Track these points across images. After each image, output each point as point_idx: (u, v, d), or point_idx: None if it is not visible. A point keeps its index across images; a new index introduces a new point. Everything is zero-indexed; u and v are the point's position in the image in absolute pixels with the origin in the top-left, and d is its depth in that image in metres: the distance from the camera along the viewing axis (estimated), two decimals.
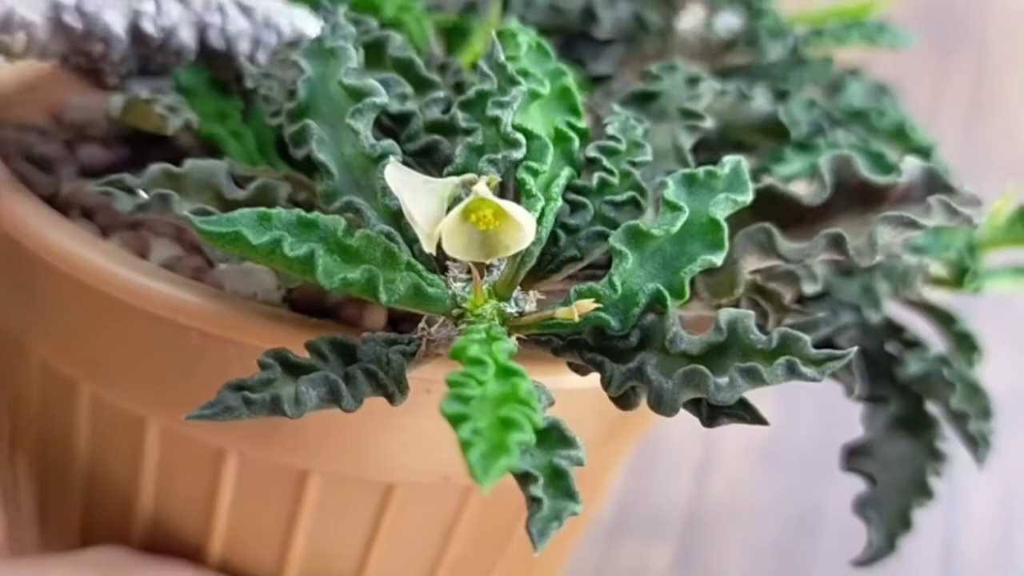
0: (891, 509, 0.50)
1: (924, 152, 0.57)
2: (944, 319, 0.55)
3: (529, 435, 0.30)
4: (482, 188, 0.34)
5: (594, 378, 0.40)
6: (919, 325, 0.56)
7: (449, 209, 0.35)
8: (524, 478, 0.33)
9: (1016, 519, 0.67)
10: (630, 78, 0.59)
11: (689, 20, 0.62)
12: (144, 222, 0.50)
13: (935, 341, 0.56)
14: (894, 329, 0.54)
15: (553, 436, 0.34)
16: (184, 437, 0.48)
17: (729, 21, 0.62)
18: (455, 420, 0.30)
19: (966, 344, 0.55)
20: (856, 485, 0.52)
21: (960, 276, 0.52)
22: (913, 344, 0.53)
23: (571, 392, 0.42)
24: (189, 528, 0.51)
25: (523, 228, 0.34)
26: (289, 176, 0.45)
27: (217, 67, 0.53)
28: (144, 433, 0.49)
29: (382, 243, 0.36)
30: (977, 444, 0.50)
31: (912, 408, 0.52)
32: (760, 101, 0.52)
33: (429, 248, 0.35)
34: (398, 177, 0.34)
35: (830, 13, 0.65)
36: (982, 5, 1.15)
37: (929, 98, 0.96)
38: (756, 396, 0.36)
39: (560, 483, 0.33)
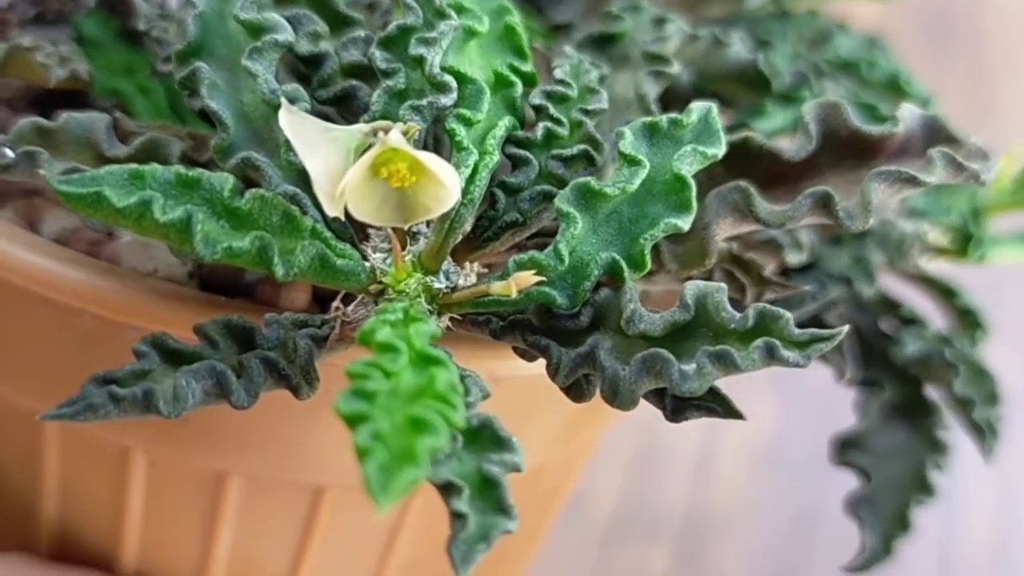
0: (887, 508, 0.44)
1: (921, 105, 0.52)
2: (945, 293, 0.50)
3: (444, 439, 0.24)
4: (395, 136, 0.28)
5: None
6: (917, 300, 0.50)
7: None
8: (446, 489, 0.27)
9: (1015, 520, 0.63)
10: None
11: None
12: (39, 190, 0.45)
13: (935, 318, 0.50)
14: (889, 304, 0.48)
15: (484, 437, 0.29)
16: (85, 435, 0.43)
17: None
18: (352, 421, 0.24)
19: (969, 320, 0.49)
20: (856, 485, 0.47)
21: (963, 244, 0.46)
22: (910, 321, 0.47)
23: (525, 379, 0.37)
24: (99, 535, 0.46)
25: (446, 185, 0.28)
26: (193, 133, 0.39)
27: (125, 15, 0.47)
28: (42, 430, 0.44)
29: (280, 206, 0.30)
30: (984, 433, 0.44)
31: (910, 393, 0.46)
32: (737, 47, 0.46)
33: (333, 210, 0.29)
34: (293, 124, 0.28)
35: None
36: (977, 10, 1.13)
37: None
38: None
39: (490, 494, 0.27)
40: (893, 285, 0.50)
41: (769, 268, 0.43)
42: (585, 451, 0.55)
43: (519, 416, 0.44)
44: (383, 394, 0.25)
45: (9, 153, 0.35)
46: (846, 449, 0.46)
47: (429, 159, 0.28)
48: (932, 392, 0.47)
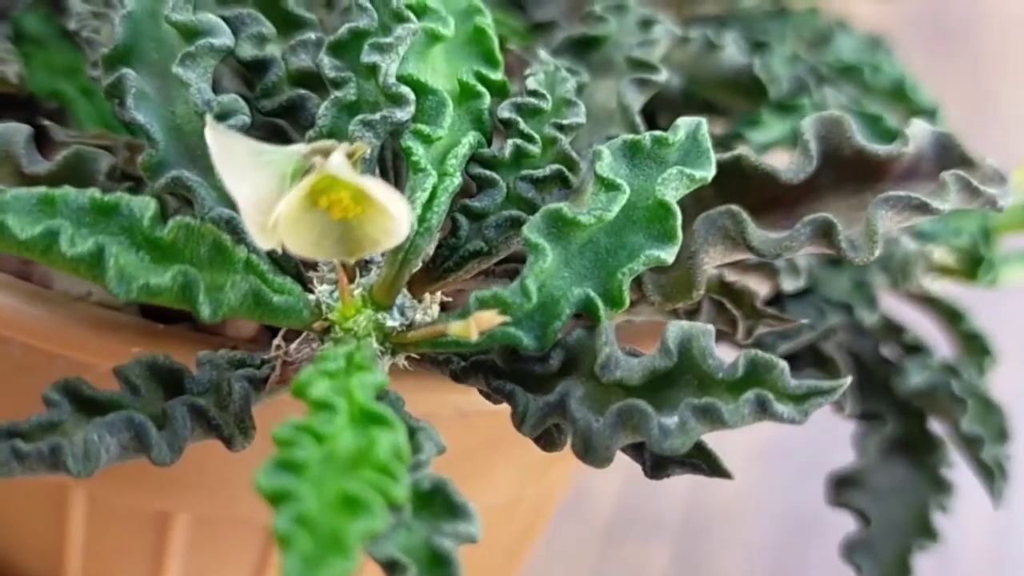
0: (886, 554, 0.41)
1: (928, 115, 0.48)
2: (950, 315, 0.46)
3: (380, 520, 0.21)
4: (336, 161, 0.24)
5: None
6: (919, 321, 0.47)
7: None
8: (391, 567, 0.24)
9: (1013, 526, 0.61)
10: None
11: None
12: None
13: (939, 340, 0.46)
14: (892, 329, 0.45)
15: (436, 503, 0.25)
16: None
17: None
18: (274, 500, 0.21)
19: (976, 346, 0.46)
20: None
21: (973, 266, 0.43)
22: (915, 348, 0.44)
23: (494, 413, 0.33)
24: (40, 571, 0.44)
25: (394, 216, 0.25)
26: (132, 143, 0.36)
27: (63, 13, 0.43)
28: None
29: (209, 235, 0.27)
30: (993, 474, 0.41)
31: (912, 427, 0.43)
32: (731, 51, 0.42)
33: (265, 244, 0.25)
34: (219, 144, 0.24)
35: None
36: (976, 10, 1.11)
37: None
38: None
39: (440, 573, 0.24)
40: (895, 306, 0.47)
41: (763, 293, 0.39)
42: (565, 480, 0.52)
43: (489, 450, 0.41)
44: (314, 464, 0.22)
45: None
46: (843, 488, 0.42)
47: (375, 188, 0.25)
48: (936, 425, 0.44)
